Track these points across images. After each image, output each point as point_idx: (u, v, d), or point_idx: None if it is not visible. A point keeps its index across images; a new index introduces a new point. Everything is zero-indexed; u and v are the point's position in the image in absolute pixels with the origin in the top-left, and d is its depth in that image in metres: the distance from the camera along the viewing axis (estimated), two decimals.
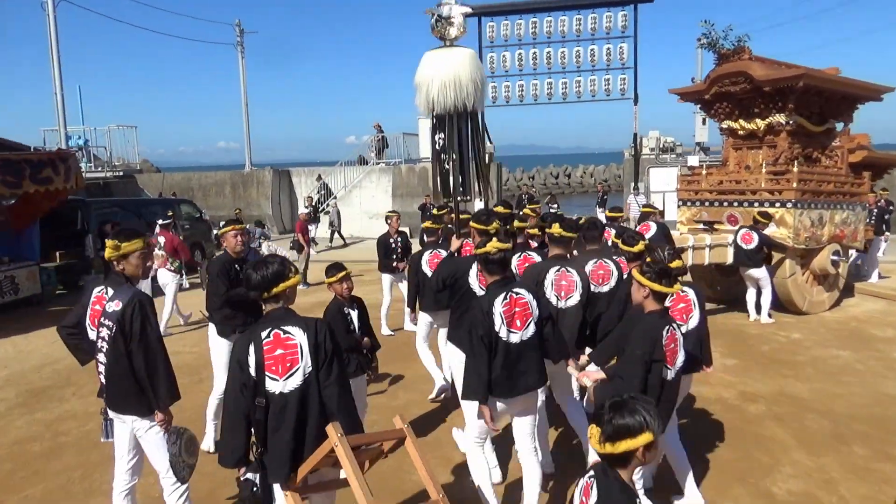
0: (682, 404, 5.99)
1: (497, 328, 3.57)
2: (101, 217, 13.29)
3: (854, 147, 10.28)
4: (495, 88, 19.67)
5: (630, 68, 18.38)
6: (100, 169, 19.93)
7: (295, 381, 2.92)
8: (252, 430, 2.99)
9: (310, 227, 16.57)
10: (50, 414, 6.21)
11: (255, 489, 3.03)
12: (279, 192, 22.58)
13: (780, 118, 9.32)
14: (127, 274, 3.51)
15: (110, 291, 3.50)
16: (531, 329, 3.68)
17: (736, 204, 9.60)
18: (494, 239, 3.83)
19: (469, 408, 3.81)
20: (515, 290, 3.68)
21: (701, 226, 9.79)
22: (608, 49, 18.38)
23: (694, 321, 4.16)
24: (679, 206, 10.29)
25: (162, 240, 9.50)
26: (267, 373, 2.91)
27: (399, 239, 8.90)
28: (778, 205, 9.09)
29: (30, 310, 11.22)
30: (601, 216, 18.44)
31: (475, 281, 4.80)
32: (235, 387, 2.97)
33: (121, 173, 20.25)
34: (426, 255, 6.09)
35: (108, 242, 3.46)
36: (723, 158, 10.76)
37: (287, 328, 2.96)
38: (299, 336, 2.95)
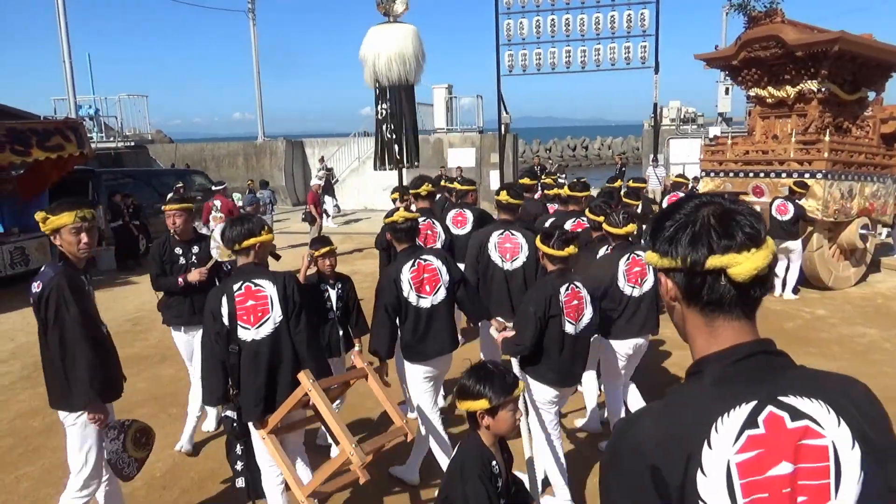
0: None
1: (406, 294, 3.75)
2: (111, 188, 13.14)
3: (886, 117, 9.82)
4: (511, 57, 19.20)
5: (651, 35, 17.80)
6: (111, 139, 19.74)
7: (266, 330, 3.19)
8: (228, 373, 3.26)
9: (326, 199, 16.38)
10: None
11: (234, 425, 3.32)
12: (292, 163, 22.36)
13: (811, 85, 8.89)
14: (64, 250, 3.12)
15: (42, 269, 3.19)
16: (441, 294, 3.85)
17: (762, 175, 9.21)
18: (402, 209, 4.06)
19: (410, 371, 3.94)
20: (423, 256, 3.84)
21: None
22: (629, 15, 17.83)
23: (648, 284, 4.27)
24: (702, 178, 9.92)
25: (218, 203, 10.40)
26: (239, 322, 3.17)
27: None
28: (807, 175, 8.70)
29: None
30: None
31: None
32: (210, 336, 3.23)
33: (132, 144, 20.05)
34: None
35: (38, 215, 3.10)
36: (748, 128, 10.35)
37: (258, 281, 3.22)
38: (269, 289, 3.21)
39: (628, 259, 4.22)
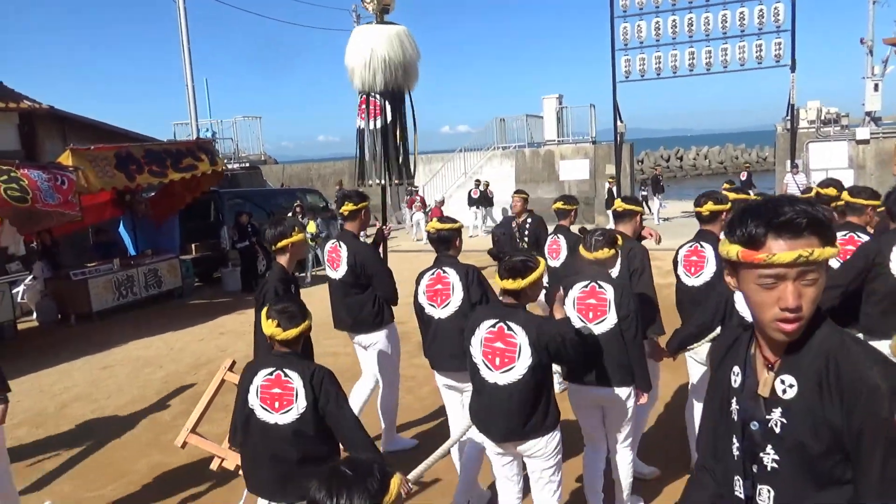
0: None
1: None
2: (234, 208, 12.99)
3: None
4: (629, 62, 18.20)
5: (787, 31, 16.38)
6: (226, 161, 20.00)
7: None
8: None
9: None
10: (217, 427, 5.57)
11: None
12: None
13: None
14: None
15: None
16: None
17: None
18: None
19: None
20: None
21: None
22: (761, 10, 16.53)
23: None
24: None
25: None
26: None
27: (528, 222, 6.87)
28: None
29: (172, 303, 11.03)
30: None
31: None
32: None
33: (247, 164, 20.26)
34: None
35: None
36: None
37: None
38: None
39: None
